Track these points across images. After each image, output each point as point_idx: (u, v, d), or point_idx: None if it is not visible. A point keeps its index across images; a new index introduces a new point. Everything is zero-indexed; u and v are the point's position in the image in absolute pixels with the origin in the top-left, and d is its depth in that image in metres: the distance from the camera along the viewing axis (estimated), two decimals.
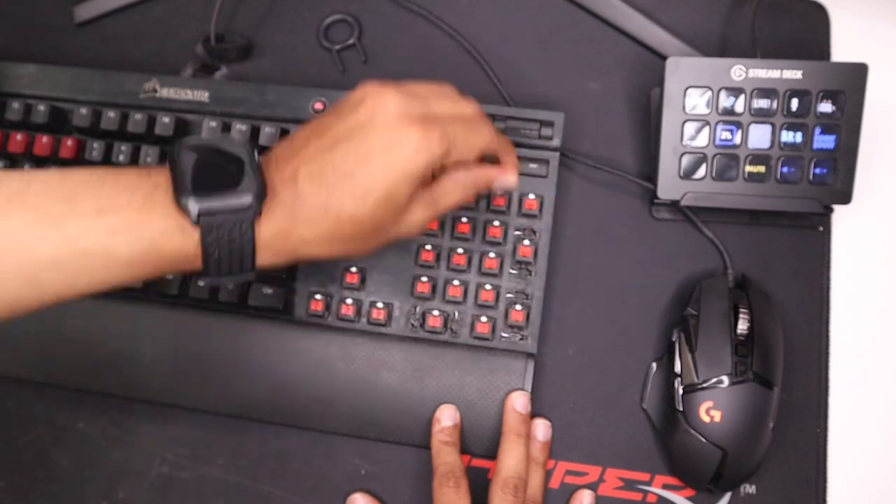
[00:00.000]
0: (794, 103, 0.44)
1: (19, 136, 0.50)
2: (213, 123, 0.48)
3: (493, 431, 0.44)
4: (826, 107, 0.44)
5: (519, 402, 0.44)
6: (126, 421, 0.48)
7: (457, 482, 0.41)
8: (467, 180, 0.38)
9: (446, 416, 0.44)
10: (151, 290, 0.47)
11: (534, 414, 0.45)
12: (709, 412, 0.41)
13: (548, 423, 0.45)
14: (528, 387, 0.45)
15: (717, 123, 0.45)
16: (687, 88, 0.45)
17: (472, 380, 0.45)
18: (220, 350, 0.47)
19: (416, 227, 0.37)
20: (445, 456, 0.42)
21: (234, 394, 0.46)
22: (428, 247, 0.46)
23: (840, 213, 0.48)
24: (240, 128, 0.48)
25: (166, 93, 0.50)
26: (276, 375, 0.46)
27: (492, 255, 0.46)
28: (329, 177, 0.33)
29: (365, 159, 0.33)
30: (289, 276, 0.47)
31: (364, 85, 0.36)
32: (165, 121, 0.49)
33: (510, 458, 0.42)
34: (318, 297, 0.46)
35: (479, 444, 0.45)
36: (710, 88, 0.45)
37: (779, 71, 0.44)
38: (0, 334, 0.48)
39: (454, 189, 0.38)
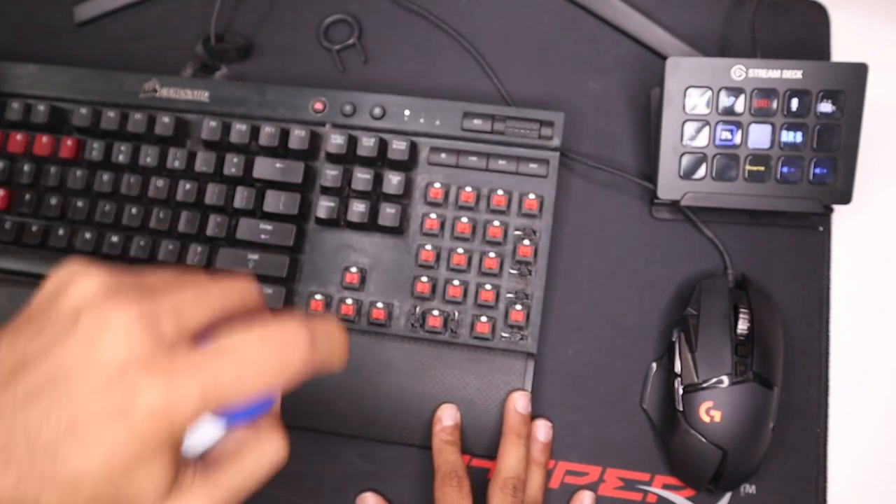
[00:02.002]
0: (794, 103, 0.44)
1: (19, 136, 0.50)
2: (213, 123, 0.48)
3: (493, 431, 0.44)
4: (826, 107, 0.44)
5: (520, 402, 0.44)
6: None
7: (459, 482, 0.41)
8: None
9: (447, 416, 0.44)
10: None
11: (534, 414, 0.45)
12: (709, 412, 0.41)
13: (549, 423, 0.45)
14: (528, 387, 0.45)
15: (717, 123, 0.45)
16: (687, 88, 0.45)
17: (472, 380, 0.45)
18: None
19: None
20: (447, 455, 0.42)
21: None
22: (428, 247, 0.46)
23: (840, 213, 0.48)
24: (240, 128, 0.48)
25: (166, 93, 0.50)
26: None
27: (492, 255, 0.46)
28: (18, 454, 0.21)
29: (73, 422, 0.21)
30: (289, 275, 0.47)
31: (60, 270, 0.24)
32: (165, 121, 0.49)
33: (510, 459, 0.42)
34: (318, 297, 0.46)
35: (479, 443, 0.45)
36: (710, 88, 0.45)
37: (779, 71, 0.44)
38: None
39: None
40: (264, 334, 0.23)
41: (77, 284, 0.23)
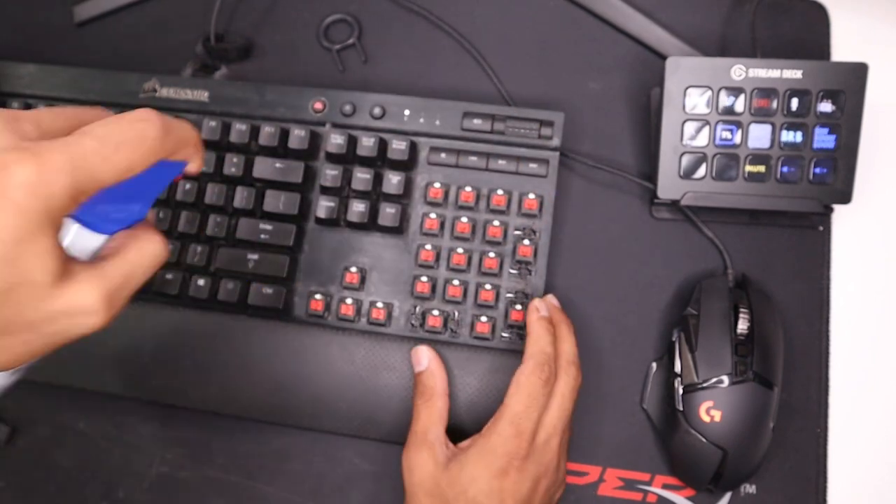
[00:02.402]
0: (794, 103, 0.44)
1: None
2: (213, 123, 0.48)
3: None
4: (826, 107, 0.44)
5: (542, 305, 0.43)
6: (126, 421, 0.48)
7: (552, 371, 0.40)
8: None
9: (543, 306, 0.43)
10: (151, 290, 0.47)
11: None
12: (709, 412, 0.41)
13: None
14: None
15: (717, 123, 0.45)
16: (687, 88, 0.45)
17: (472, 380, 0.45)
18: (219, 350, 0.47)
19: (90, 312, 0.26)
20: (544, 345, 0.41)
21: (234, 394, 0.46)
22: (428, 247, 0.46)
23: (840, 213, 0.48)
24: (240, 127, 0.48)
25: (166, 93, 0.50)
26: (276, 375, 0.46)
27: (492, 255, 0.46)
28: None
29: None
30: (289, 275, 0.47)
31: None
32: None
33: (537, 342, 0.41)
34: (318, 297, 0.46)
35: None
36: (710, 88, 0.45)
37: (779, 71, 0.44)
38: None
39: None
40: (121, 117, 0.27)
41: None
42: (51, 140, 0.25)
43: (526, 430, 0.39)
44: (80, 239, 0.27)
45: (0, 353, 0.25)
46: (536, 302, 0.43)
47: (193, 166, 0.30)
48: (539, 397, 0.39)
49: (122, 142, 0.26)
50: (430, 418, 0.42)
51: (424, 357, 0.44)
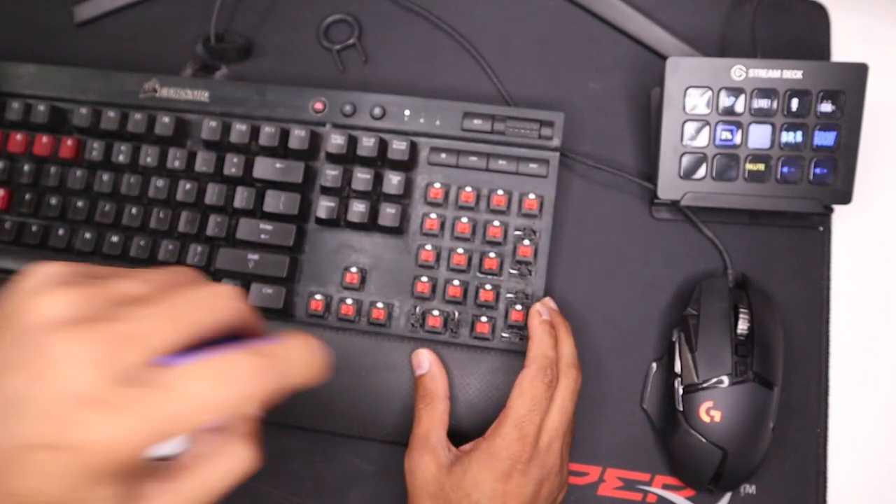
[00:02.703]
0: (794, 103, 0.44)
1: (19, 136, 0.50)
2: (213, 123, 0.48)
3: None
4: (826, 107, 0.44)
5: (543, 309, 0.43)
6: None
7: (554, 375, 0.41)
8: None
9: (545, 309, 0.44)
10: None
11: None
12: (709, 412, 0.41)
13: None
14: None
15: (717, 123, 0.45)
16: (687, 88, 0.45)
17: (473, 380, 0.45)
18: None
19: None
20: (546, 348, 0.41)
21: None
22: (428, 247, 0.46)
23: (840, 213, 0.48)
24: (240, 128, 0.48)
25: (166, 93, 0.50)
26: None
27: (492, 255, 0.46)
28: None
29: (26, 447, 0.21)
30: (289, 276, 0.47)
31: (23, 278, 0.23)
32: (165, 121, 0.49)
33: (540, 346, 0.41)
34: (318, 297, 0.46)
35: None
36: (710, 88, 0.45)
37: (779, 71, 0.44)
38: None
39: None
40: (222, 366, 0.23)
41: (43, 299, 0.22)
42: (137, 389, 0.22)
43: (529, 433, 0.39)
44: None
45: None
46: (538, 306, 0.43)
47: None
48: (542, 400, 0.39)
49: (214, 405, 0.23)
50: (432, 422, 0.42)
51: (425, 360, 0.44)
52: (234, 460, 0.26)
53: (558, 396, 0.40)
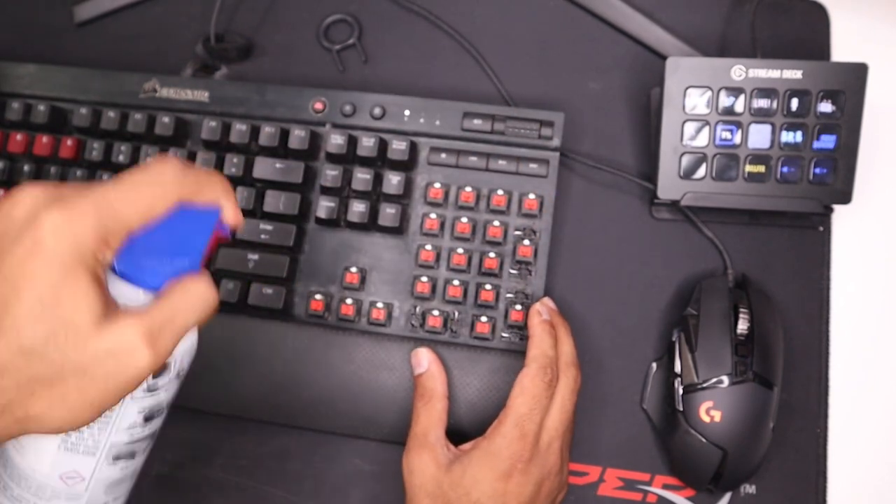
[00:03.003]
0: (794, 103, 0.44)
1: (19, 136, 0.50)
2: (213, 123, 0.48)
3: None
4: (826, 107, 0.44)
5: (543, 308, 0.44)
6: None
7: (554, 374, 0.41)
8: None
9: (544, 309, 0.44)
10: None
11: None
12: (709, 412, 0.41)
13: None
14: None
15: (717, 123, 0.45)
16: (687, 88, 0.45)
17: (473, 380, 0.45)
18: (219, 350, 0.47)
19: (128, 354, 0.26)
20: (547, 348, 0.41)
21: (234, 394, 0.46)
22: (428, 247, 0.46)
23: (840, 213, 0.48)
24: (240, 128, 0.48)
25: (166, 93, 0.50)
26: (276, 375, 0.46)
27: (492, 255, 0.46)
28: None
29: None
30: (289, 275, 0.47)
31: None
32: (165, 121, 0.49)
33: (540, 345, 0.42)
34: (318, 297, 0.46)
35: None
36: (710, 88, 0.45)
37: (779, 71, 0.44)
38: None
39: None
40: (141, 167, 0.28)
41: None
42: (75, 189, 0.26)
43: (530, 432, 0.39)
44: (127, 293, 0.28)
45: (57, 405, 0.26)
46: (537, 306, 0.43)
47: (229, 214, 0.31)
48: (542, 399, 0.39)
49: (141, 182, 0.28)
50: (430, 420, 0.42)
51: (424, 359, 0.44)
52: (197, 288, 0.29)
53: (558, 395, 0.40)
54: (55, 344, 0.25)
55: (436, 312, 0.45)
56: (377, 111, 0.48)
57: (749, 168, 0.45)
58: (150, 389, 0.30)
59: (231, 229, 0.31)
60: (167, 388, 0.31)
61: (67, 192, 0.26)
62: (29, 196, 0.26)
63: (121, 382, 0.26)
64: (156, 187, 0.28)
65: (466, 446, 0.41)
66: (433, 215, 0.47)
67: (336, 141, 0.47)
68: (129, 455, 0.32)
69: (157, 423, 0.33)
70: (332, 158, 0.48)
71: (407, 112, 0.48)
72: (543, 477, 0.39)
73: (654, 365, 0.47)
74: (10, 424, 0.26)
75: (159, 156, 0.28)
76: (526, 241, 0.46)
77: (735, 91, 0.44)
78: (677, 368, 0.43)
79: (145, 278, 0.28)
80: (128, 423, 0.31)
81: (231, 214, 0.31)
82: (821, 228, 0.48)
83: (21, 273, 0.25)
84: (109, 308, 0.26)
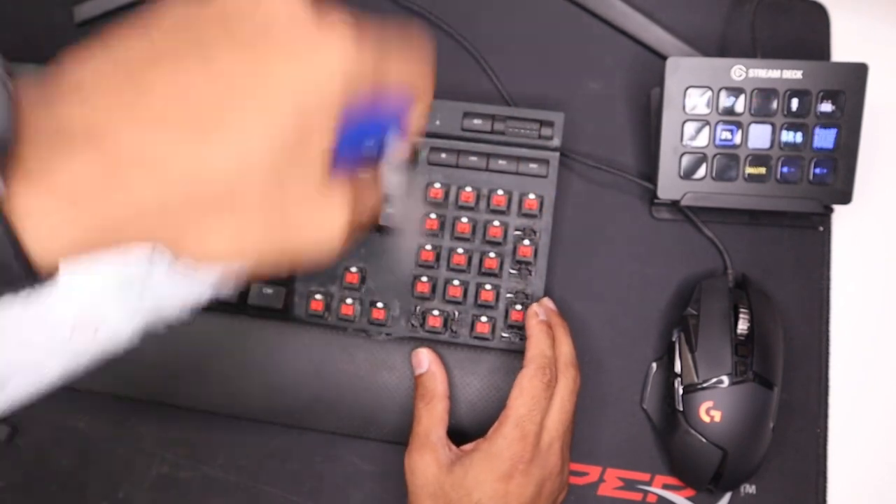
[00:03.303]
0: (795, 103, 0.44)
1: None
2: None
3: None
4: (826, 107, 0.44)
5: (541, 309, 0.44)
6: (126, 421, 0.48)
7: (553, 374, 0.41)
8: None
9: (545, 308, 0.44)
10: None
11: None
12: (709, 412, 0.41)
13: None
14: None
15: (717, 123, 0.45)
16: (687, 88, 0.45)
17: (473, 380, 0.45)
18: (219, 350, 0.47)
19: (333, 210, 0.23)
20: (545, 348, 0.41)
21: (234, 394, 0.46)
22: (428, 247, 0.46)
23: (840, 213, 0.48)
24: None
25: None
26: (276, 375, 0.46)
27: (492, 255, 0.46)
28: (191, 112, 0.20)
29: (260, 76, 0.20)
30: (289, 275, 0.47)
31: None
32: None
33: (538, 345, 0.41)
34: (318, 297, 0.46)
35: None
36: (710, 88, 0.45)
37: (779, 71, 0.44)
38: None
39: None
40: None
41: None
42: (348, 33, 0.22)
43: (530, 432, 0.39)
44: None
45: (239, 234, 0.22)
46: (535, 307, 0.44)
47: (421, 103, 0.27)
48: (542, 400, 0.40)
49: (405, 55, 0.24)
50: (432, 420, 0.42)
51: (425, 359, 0.44)
52: (372, 193, 0.27)
53: (557, 396, 0.40)
54: (294, 165, 0.21)
55: (436, 312, 0.45)
56: None
57: (749, 168, 0.45)
58: None
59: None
60: None
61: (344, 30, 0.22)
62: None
63: (297, 255, 0.24)
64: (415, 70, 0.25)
65: (468, 447, 0.41)
66: (433, 215, 0.47)
67: None
68: None
69: None
70: None
71: None
72: (545, 478, 0.39)
73: (654, 365, 0.47)
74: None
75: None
76: (526, 241, 0.46)
77: (735, 91, 0.44)
78: (677, 368, 0.43)
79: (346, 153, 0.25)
80: None
81: (423, 106, 0.28)
82: (821, 228, 0.48)
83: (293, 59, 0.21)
84: (328, 178, 0.23)
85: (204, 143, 0.20)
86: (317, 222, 0.23)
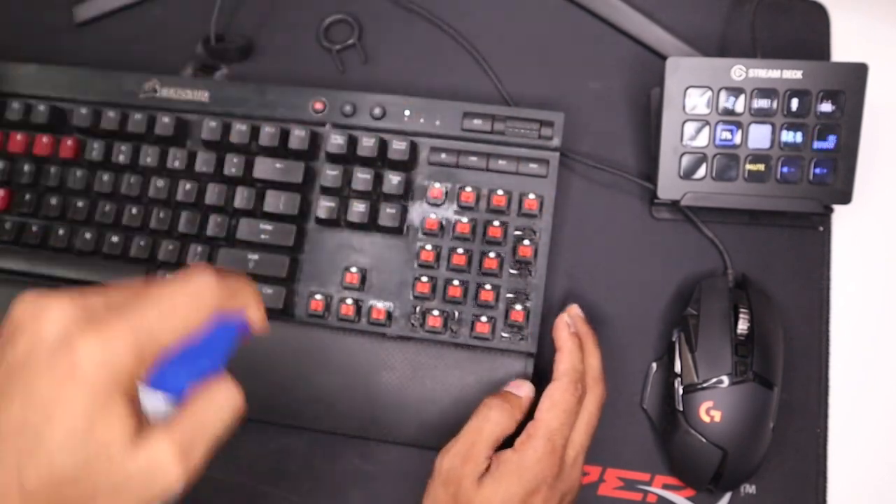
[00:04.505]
0: (794, 103, 0.44)
1: (19, 136, 0.50)
2: (213, 123, 0.48)
3: None
4: (826, 107, 0.44)
5: (570, 320, 0.43)
6: None
7: (584, 389, 0.41)
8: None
9: (575, 312, 0.44)
10: None
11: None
12: (709, 412, 0.41)
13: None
14: None
15: (717, 123, 0.45)
16: (687, 88, 0.45)
17: (473, 380, 0.45)
18: None
19: (166, 475, 0.26)
20: (577, 362, 0.41)
21: None
22: (428, 247, 0.46)
23: (840, 213, 0.48)
24: (240, 128, 0.48)
25: (166, 93, 0.50)
26: (276, 375, 0.46)
27: (492, 255, 0.46)
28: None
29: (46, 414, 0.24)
30: (289, 276, 0.47)
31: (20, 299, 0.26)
32: (165, 121, 0.49)
33: (570, 359, 0.41)
34: (318, 297, 0.46)
35: None
36: (710, 88, 0.45)
37: (779, 71, 0.44)
38: None
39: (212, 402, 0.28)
40: (174, 278, 0.27)
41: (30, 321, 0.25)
42: (112, 310, 0.25)
43: (559, 446, 0.39)
44: (150, 400, 0.27)
45: None
46: (565, 317, 0.43)
47: (256, 319, 0.30)
48: (573, 414, 0.39)
49: (178, 298, 0.26)
50: (492, 435, 0.40)
51: (525, 387, 0.43)
52: (222, 395, 0.28)
53: (585, 411, 0.40)
54: (87, 471, 0.24)
55: (436, 312, 0.45)
56: (377, 111, 0.48)
57: (749, 168, 0.45)
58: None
59: (255, 333, 0.31)
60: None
61: (100, 312, 0.25)
62: (59, 314, 0.25)
63: (152, 498, 0.26)
64: (194, 303, 0.27)
65: (495, 456, 0.40)
66: (433, 215, 0.47)
67: (336, 141, 0.47)
68: None
69: None
70: (333, 158, 0.48)
71: (407, 112, 0.48)
72: (566, 492, 0.39)
73: (654, 365, 0.47)
74: None
75: (194, 267, 0.28)
76: (526, 241, 0.46)
77: (735, 91, 0.44)
78: (677, 368, 0.43)
79: (168, 383, 0.27)
80: None
81: (258, 320, 0.30)
82: (821, 228, 0.48)
83: (54, 400, 0.24)
84: (141, 424, 0.25)
85: None
86: (143, 471, 0.25)
